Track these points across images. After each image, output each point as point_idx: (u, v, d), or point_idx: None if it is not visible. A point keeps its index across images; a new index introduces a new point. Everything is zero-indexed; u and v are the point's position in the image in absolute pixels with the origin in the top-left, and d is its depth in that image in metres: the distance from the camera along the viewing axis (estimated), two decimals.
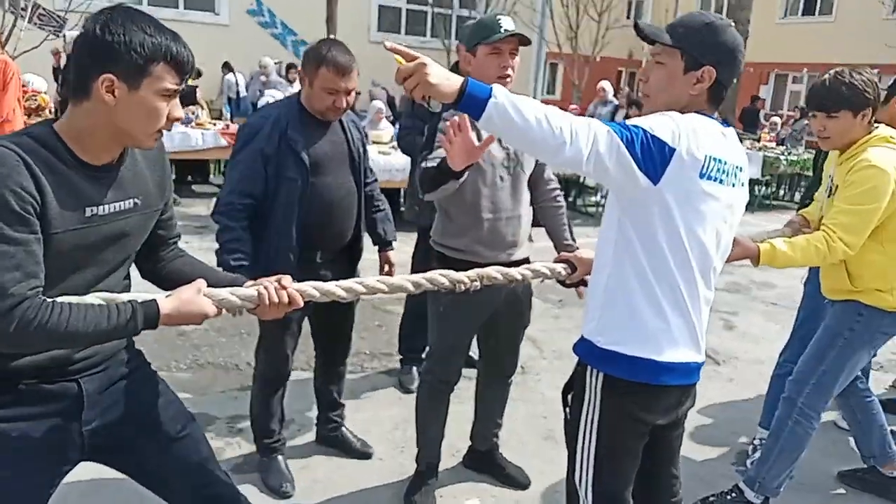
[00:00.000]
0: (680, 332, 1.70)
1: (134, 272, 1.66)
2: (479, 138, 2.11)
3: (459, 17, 15.07)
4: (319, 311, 2.57)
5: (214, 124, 8.52)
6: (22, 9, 8.15)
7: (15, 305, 1.27)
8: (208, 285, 1.57)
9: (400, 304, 4.10)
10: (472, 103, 1.48)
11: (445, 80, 1.49)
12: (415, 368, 3.75)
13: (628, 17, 21.10)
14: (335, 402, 3.00)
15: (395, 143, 8.29)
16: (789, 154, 10.68)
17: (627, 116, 9.81)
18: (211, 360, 3.86)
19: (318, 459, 2.98)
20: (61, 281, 1.42)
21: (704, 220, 1.65)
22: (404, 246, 3.38)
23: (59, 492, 1.58)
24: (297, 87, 10.81)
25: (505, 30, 2.31)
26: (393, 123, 10.88)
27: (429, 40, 15.88)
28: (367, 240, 2.85)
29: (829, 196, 2.62)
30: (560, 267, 2.16)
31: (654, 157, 1.54)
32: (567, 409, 1.88)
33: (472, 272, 2.02)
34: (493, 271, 2.05)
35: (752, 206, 9.55)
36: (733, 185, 1.69)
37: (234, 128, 8.61)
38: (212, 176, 9.45)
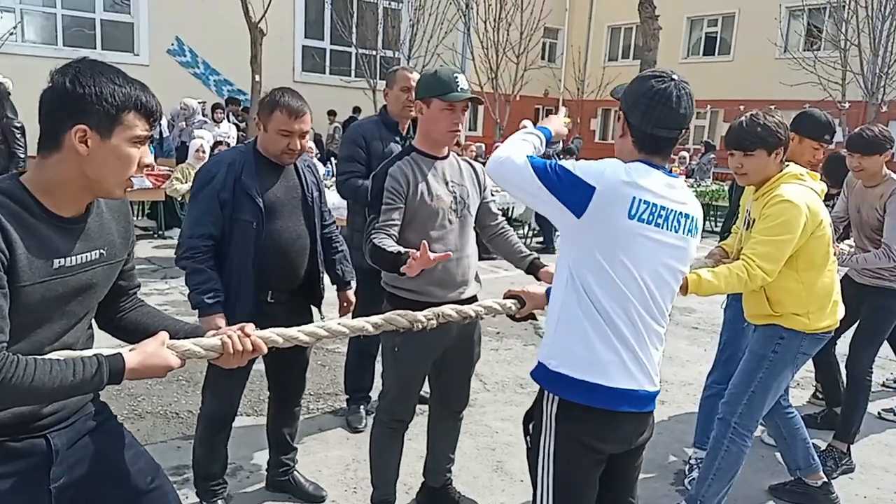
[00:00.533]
0: (631, 363, 1.79)
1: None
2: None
3: (384, 58, 15.30)
4: (273, 351, 2.59)
5: None
6: None
7: None
8: (170, 336, 1.58)
9: (343, 344, 4.11)
10: None
11: None
12: (362, 408, 3.75)
13: (543, 59, 21.96)
14: (288, 444, 2.98)
15: (326, 182, 8.32)
16: (699, 186, 11.33)
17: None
18: (150, 410, 3.75)
19: None
20: (28, 334, 1.40)
21: (640, 260, 1.76)
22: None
23: None
24: (224, 126, 10.75)
25: (462, 88, 2.45)
26: (321, 161, 10.90)
27: (353, 80, 16.05)
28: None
29: (746, 228, 2.84)
30: (510, 302, 2.27)
31: (570, 191, 1.71)
32: (528, 438, 1.95)
33: (429, 311, 2.10)
34: (449, 309, 2.14)
35: None
36: (676, 231, 1.80)
37: (158, 169, 8.42)
38: (136, 218, 9.17)
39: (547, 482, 1.86)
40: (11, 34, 11.94)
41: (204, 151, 7.86)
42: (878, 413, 4.17)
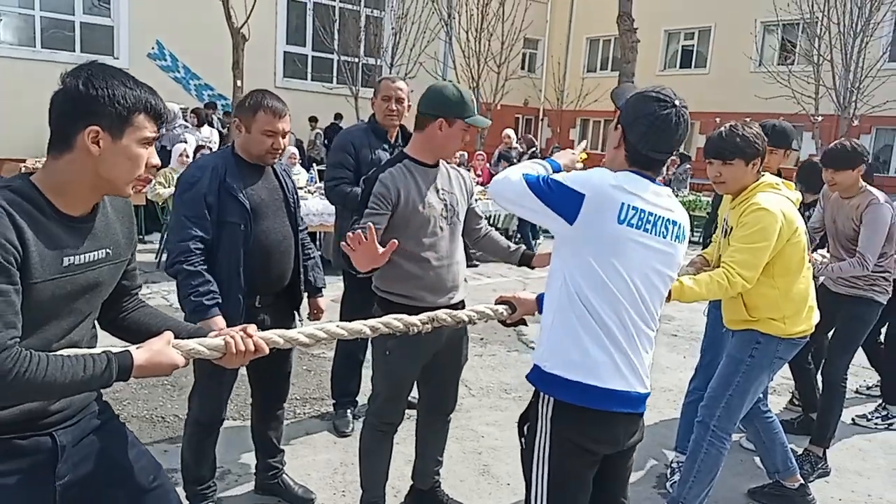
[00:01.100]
0: (623, 365, 1.85)
1: None
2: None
3: (366, 65, 15.35)
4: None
5: None
6: None
7: None
8: (173, 336, 1.61)
9: (329, 349, 4.14)
10: None
11: None
12: (349, 412, 3.78)
13: (524, 69, 22.18)
14: (274, 446, 2.99)
15: (310, 188, 8.34)
16: (676, 196, 11.50)
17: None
18: (135, 413, 3.74)
19: None
20: (37, 330, 1.43)
21: (631, 264, 1.82)
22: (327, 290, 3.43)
23: None
24: (206, 130, 10.70)
25: (481, 116, 2.57)
26: (304, 167, 10.89)
27: (335, 86, 16.07)
28: None
29: (725, 237, 2.93)
30: (502, 308, 2.32)
31: (561, 199, 1.79)
32: (522, 440, 2.00)
33: (424, 315, 2.15)
34: (443, 314, 2.20)
35: None
36: (664, 237, 1.87)
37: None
38: None
39: (541, 483, 1.91)
40: None
41: (187, 156, 7.85)
42: (852, 419, 4.29)
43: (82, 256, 1.49)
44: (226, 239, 2.57)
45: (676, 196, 11.07)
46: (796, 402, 4.38)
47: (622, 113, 1.92)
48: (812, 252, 3.55)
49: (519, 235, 9.68)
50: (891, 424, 4.29)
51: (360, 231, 2.17)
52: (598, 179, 1.82)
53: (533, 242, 9.52)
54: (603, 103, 19.08)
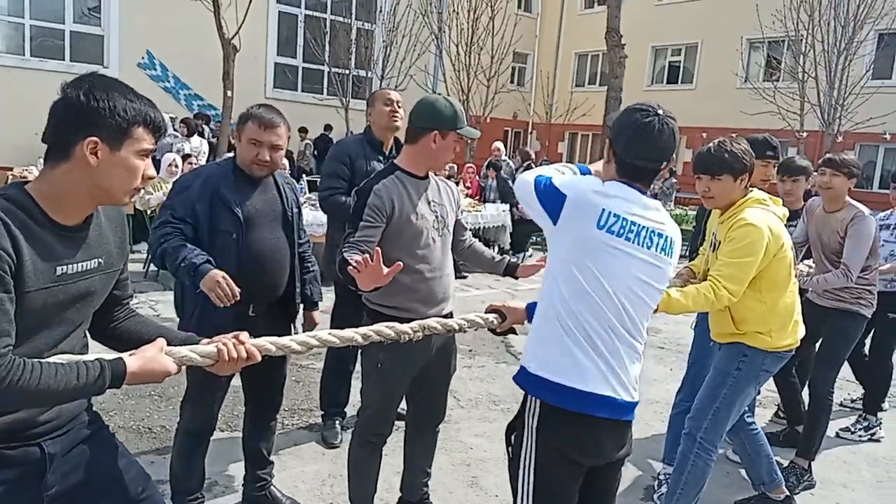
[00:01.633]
0: (607, 371, 1.86)
1: None
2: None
3: (356, 77, 15.40)
4: (252, 365, 2.61)
5: None
6: None
7: None
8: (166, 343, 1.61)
9: (317, 360, 4.13)
10: None
11: None
12: (338, 423, 3.77)
13: (513, 82, 22.34)
14: (264, 458, 2.98)
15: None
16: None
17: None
18: (122, 424, 3.71)
19: None
20: (28, 339, 1.43)
21: (609, 271, 1.84)
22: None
23: None
24: (195, 141, 10.68)
25: (470, 128, 2.61)
26: (294, 177, 10.88)
27: (326, 97, 16.11)
28: None
29: (713, 250, 2.96)
30: (492, 317, 2.34)
31: (549, 199, 1.86)
32: (510, 449, 2.01)
33: (415, 324, 2.16)
34: (434, 322, 2.21)
35: None
36: (649, 248, 1.89)
37: None
38: None
39: (527, 490, 1.92)
40: None
41: (177, 166, 7.87)
42: (836, 432, 4.32)
43: (75, 266, 1.49)
44: (218, 247, 2.58)
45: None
46: (781, 415, 4.42)
47: (611, 128, 1.97)
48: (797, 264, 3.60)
49: (512, 251, 9.70)
50: (873, 434, 4.34)
51: (366, 256, 2.21)
52: (584, 184, 1.89)
53: (524, 256, 9.55)
54: (591, 117, 19.30)
